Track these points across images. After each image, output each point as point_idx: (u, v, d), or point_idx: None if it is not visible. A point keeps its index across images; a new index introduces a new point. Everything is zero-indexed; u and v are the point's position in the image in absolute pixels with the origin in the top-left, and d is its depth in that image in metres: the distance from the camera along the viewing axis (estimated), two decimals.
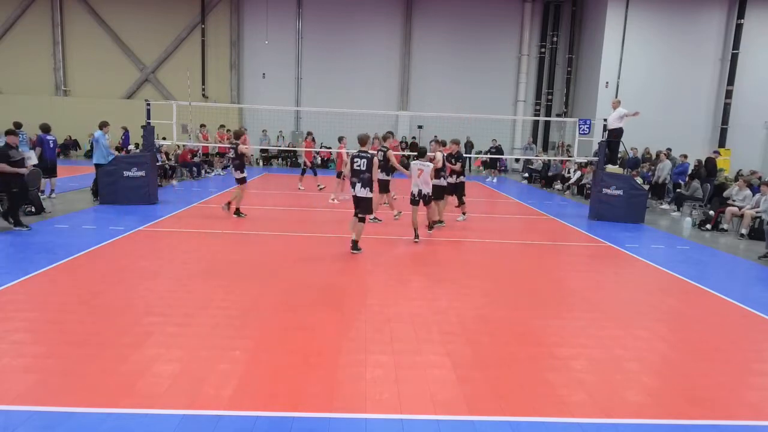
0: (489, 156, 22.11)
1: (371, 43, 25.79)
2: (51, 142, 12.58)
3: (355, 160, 8.24)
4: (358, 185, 8.26)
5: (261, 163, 24.88)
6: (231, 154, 10.20)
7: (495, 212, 13.82)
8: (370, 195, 8.32)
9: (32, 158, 10.14)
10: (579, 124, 13.46)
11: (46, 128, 12.43)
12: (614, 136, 13.28)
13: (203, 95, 25.44)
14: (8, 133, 9.15)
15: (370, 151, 8.41)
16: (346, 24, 25.58)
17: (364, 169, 8.18)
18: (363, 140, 8.42)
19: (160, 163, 15.08)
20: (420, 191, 9.47)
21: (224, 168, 20.96)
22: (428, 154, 9.96)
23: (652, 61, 23.58)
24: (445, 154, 10.73)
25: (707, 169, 15.20)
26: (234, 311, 5.63)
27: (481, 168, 25.47)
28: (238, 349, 4.70)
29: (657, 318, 6.10)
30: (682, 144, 20.18)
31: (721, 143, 23.72)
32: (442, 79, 25.99)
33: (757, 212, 11.40)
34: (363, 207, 8.35)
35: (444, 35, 25.87)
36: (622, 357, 4.93)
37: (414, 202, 9.49)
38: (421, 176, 9.40)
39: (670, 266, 8.51)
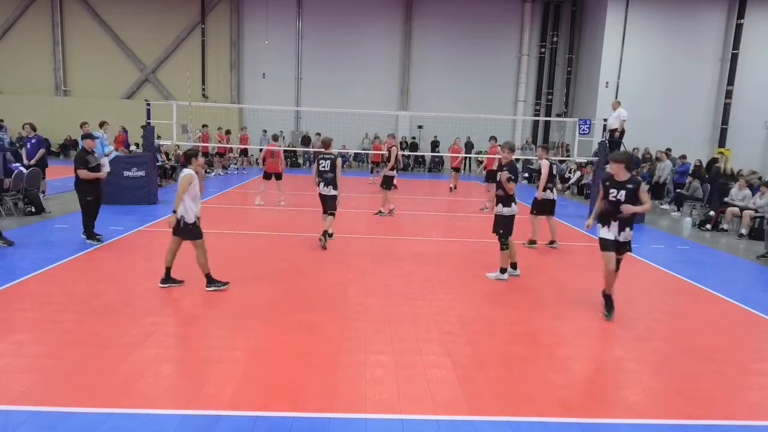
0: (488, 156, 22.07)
1: (371, 43, 25.77)
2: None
3: (320, 162, 8.84)
4: (322, 184, 8.83)
5: (261, 163, 24.81)
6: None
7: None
8: (334, 192, 8.78)
9: (106, 166, 9.53)
10: (579, 124, 13.46)
11: (33, 129, 12.20)
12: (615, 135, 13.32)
13: (203, 95, 25.43)
14: (86, 137, 8.71)
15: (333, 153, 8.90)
16: (346, 24, 25.57)
17: (328, 169, 8.76)
18: (326, 143, 9.10)
19: (160, 163, 15.09)
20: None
21: (224, 168, 20.96)
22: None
23: (652, 61, 23.56)
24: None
25: (710, 171, 15.08)
26: (234, 311, 5.63)
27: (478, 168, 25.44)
28: (238, 349, 4.70)
29: (657, 318, 6.10)
30: (682, 144, 20.18)
31: (721, 143, 23.71)
32: (442, 79, 25.98)
33: (757, 211, 11.39)
34: (330, 204, 8.83)
35: (444, 35, 25.85)
36: (622, 357, 4.93)
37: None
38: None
39: (670, 266, 8.51)
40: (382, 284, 6.86)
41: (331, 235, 9.12)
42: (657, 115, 23.25)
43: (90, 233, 8.43)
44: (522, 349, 4.99)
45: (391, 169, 11.89)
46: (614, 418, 3.85)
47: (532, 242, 9.52)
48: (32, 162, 11.40)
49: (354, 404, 3.88)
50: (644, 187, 5.57)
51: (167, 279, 6.31)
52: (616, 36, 23.33)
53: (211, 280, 6.29)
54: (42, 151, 11.90)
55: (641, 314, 6.19)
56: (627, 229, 5.98)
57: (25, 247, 7.93)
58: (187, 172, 6.10)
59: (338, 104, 23.84)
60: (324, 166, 8.82)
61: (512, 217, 7.35)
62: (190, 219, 6.09)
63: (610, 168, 6.15)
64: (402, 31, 25.78)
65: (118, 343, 4.72)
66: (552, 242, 9.60)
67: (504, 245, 7.30)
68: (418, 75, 26.05)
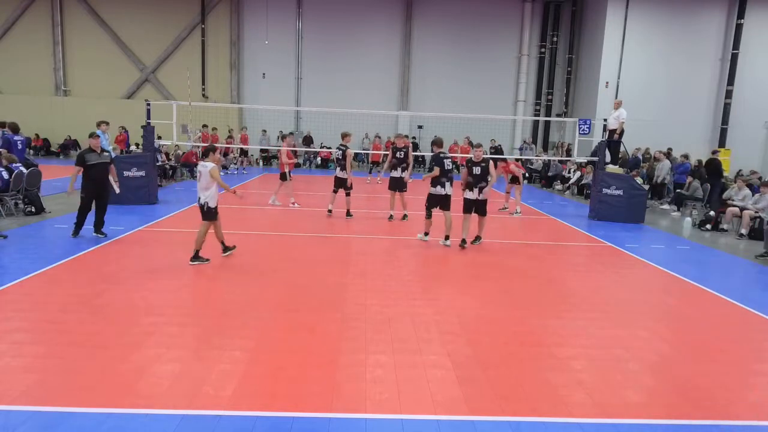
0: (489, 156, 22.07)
1: (371, 43, 25.77)
2: (19, 142, 12.03)
3: (336, 150, 11.41)
4: (338, 168, 11.32)
5: (261, 163, 24.87)
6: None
7: (494, 212, 13.81)
8: (345, 176, 11.19)
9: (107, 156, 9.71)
10: (579, 124, 13.46)
11: (15, 128, 12.04)
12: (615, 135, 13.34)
13: (203, 95, 25.43)
14: (91, 136, 8.72)
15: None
16: (346, 24, 25.57)
17: (340, 157, 11.22)
18: (343, 135, 11.48)
19: (160, 164, 15.09)
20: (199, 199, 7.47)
21: (224, 168, 20.96)
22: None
23: (653, 61, 23.56)
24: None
25: (709, 171, 15.08)
26: (234, 311, 5.63)
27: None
28: (238, 349, 4.70)
29: (657, 318, 6.10)
30: (682, 144, 20.18)
31: (721, 143, 23.71)
32: (442, 79, 25.98)
33: (756, 210, 11.39)
34: (342, 184, 11.28)
35: (444, 35, 25.85)
36: (622, 357, 4.93)
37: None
38: (201, 180, 7.37)
39: (670, 266, 8.51)
40: (382, 284, 6.86)
41: (350, 214, 11.38)
42: (657, 115, 23.25)
43: (76, 229, 8.69)
44: (522, 349, 4.99)
45: (397, 169, 11.21)
46: (614, 418, 3.85)
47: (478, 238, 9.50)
48: None
49: (354, 404, 3.88)
50: None
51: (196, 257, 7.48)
52: (616, 36, 23.33)
53: (197, 256, 7.47)
54: None
55: (641, 314, 6.18)
56: None
57: (25, 247, 7.93)
58: (213, 164, 7.29)
59: (338, 104, 23.83)
60: (337, 155, 11.34)
61: (431, 195, 9.14)
62: (213, 204, 7.40)
63: None
64: (402, 31, 25.77)
65: (118, 343, 4.72)
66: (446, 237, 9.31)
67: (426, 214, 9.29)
68: (418, 75, 26.04)
